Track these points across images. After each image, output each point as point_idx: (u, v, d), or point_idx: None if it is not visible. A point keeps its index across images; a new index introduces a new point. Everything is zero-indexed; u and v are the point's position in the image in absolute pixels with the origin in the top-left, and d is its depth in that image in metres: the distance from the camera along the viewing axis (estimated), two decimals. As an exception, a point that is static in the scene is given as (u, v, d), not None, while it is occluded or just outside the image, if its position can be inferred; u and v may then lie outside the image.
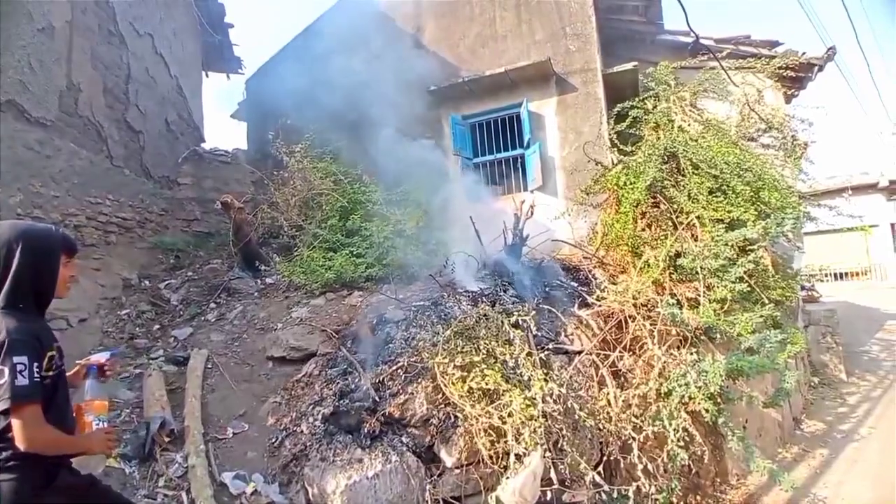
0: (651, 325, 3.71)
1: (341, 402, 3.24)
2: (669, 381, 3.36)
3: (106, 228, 5.78)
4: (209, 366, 3.95)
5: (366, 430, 2.98)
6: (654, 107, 5.74)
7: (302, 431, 3.20)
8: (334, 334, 3.95)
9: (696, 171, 4.69)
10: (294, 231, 5.57)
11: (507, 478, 2.79)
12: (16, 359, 1.36)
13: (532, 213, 4.94)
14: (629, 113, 5.66)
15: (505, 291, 4.40)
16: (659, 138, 5.27)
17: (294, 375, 3.77)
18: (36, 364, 1.41)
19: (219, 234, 6.88)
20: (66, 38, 5.73)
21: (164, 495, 2.82)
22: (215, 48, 9.48)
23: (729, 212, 4.37)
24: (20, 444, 1.36)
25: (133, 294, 5.34)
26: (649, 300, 3.98)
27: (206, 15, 8.94)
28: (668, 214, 4.71)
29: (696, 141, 4.96)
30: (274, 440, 3.25)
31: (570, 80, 6.04)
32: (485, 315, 3.52)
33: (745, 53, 6.17)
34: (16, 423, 1.36)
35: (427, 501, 2.88)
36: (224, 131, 39.83)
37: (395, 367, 3.37)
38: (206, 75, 9.74)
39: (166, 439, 3.15)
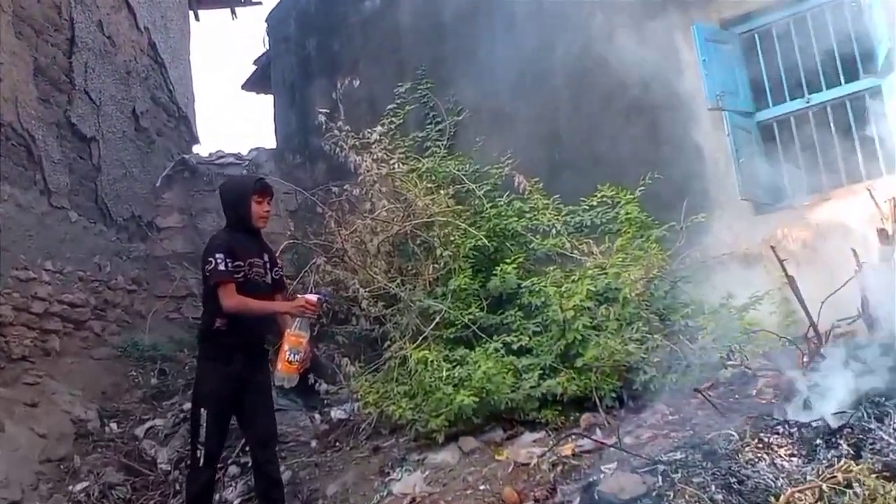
0: None
1: None
2: None
3: (42, 326, 3.74)
4: None
5: None
6: None
7: None
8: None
9: None
10: (379, 306, 3.17)
11: None
12: (216, 254, 2.46)
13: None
14: None
15: (882, 420, 2.30)
16: None
17: None
18: (229, 259, 2.47)
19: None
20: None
21: None
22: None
23: None
24: (224, 308, 2.42)
25: (93, 450, 3.39)
26: None
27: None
28: None
29: None
30: None
31: None
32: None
33: None
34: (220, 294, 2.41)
35: None
36: (235, 119, 24.41)
37: None
38: (196, 17, 7.06)
39: None
